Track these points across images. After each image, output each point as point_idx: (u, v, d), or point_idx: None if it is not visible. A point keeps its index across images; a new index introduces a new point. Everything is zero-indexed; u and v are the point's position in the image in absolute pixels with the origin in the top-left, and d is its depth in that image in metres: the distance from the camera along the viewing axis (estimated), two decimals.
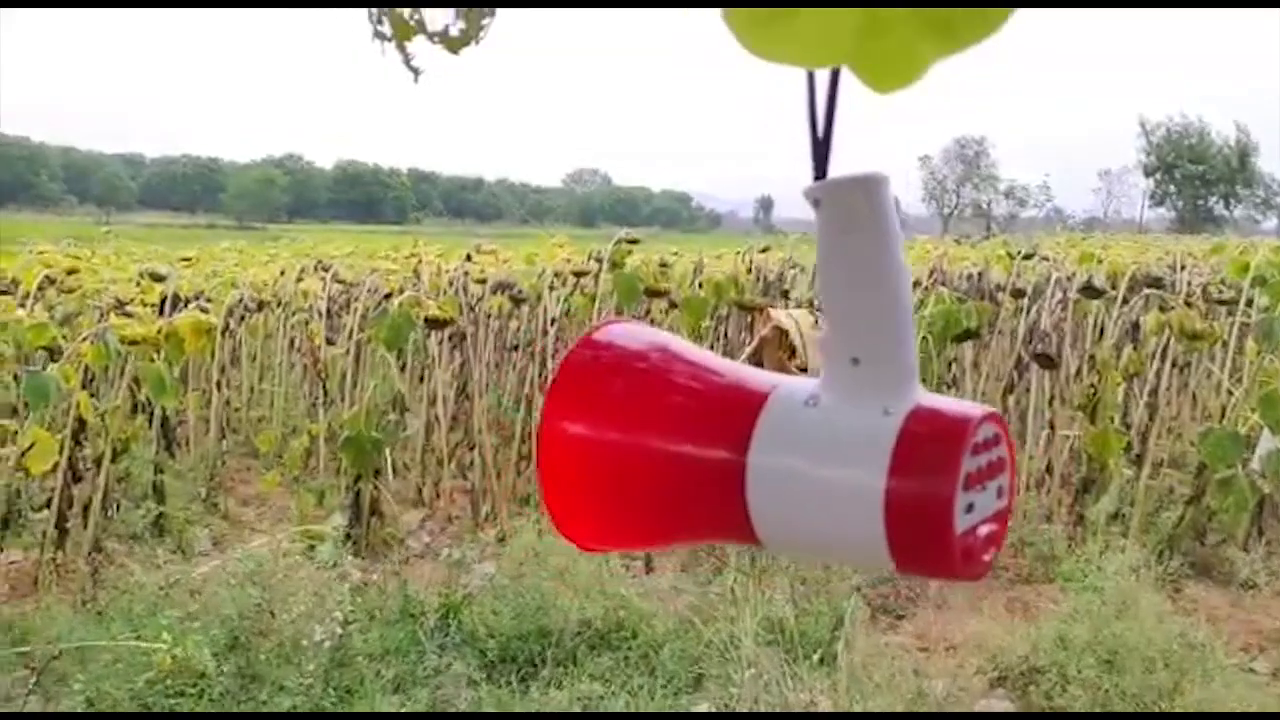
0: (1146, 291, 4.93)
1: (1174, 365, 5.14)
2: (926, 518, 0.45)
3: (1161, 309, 4.68)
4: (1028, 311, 4.92)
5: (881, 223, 0.47)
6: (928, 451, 0.46)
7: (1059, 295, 4.99)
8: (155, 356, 4.16)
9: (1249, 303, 4.89)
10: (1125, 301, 5.14)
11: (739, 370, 0.54)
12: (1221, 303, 5.03)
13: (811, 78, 0.47)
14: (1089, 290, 4.89)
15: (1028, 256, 5.69)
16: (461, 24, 0.69)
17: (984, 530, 0.47)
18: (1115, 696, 2.79)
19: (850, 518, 0.46)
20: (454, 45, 0.68)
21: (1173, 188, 66.94)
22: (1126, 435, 4.33)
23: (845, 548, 0.48)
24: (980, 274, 5.71)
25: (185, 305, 5.25)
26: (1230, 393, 4.67)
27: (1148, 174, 68.46)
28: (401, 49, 0.63)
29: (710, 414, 0.52)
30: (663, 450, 0.52)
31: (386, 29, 0.67)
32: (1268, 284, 4.47)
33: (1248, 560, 4.14)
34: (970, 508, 0.46)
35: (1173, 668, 2.78)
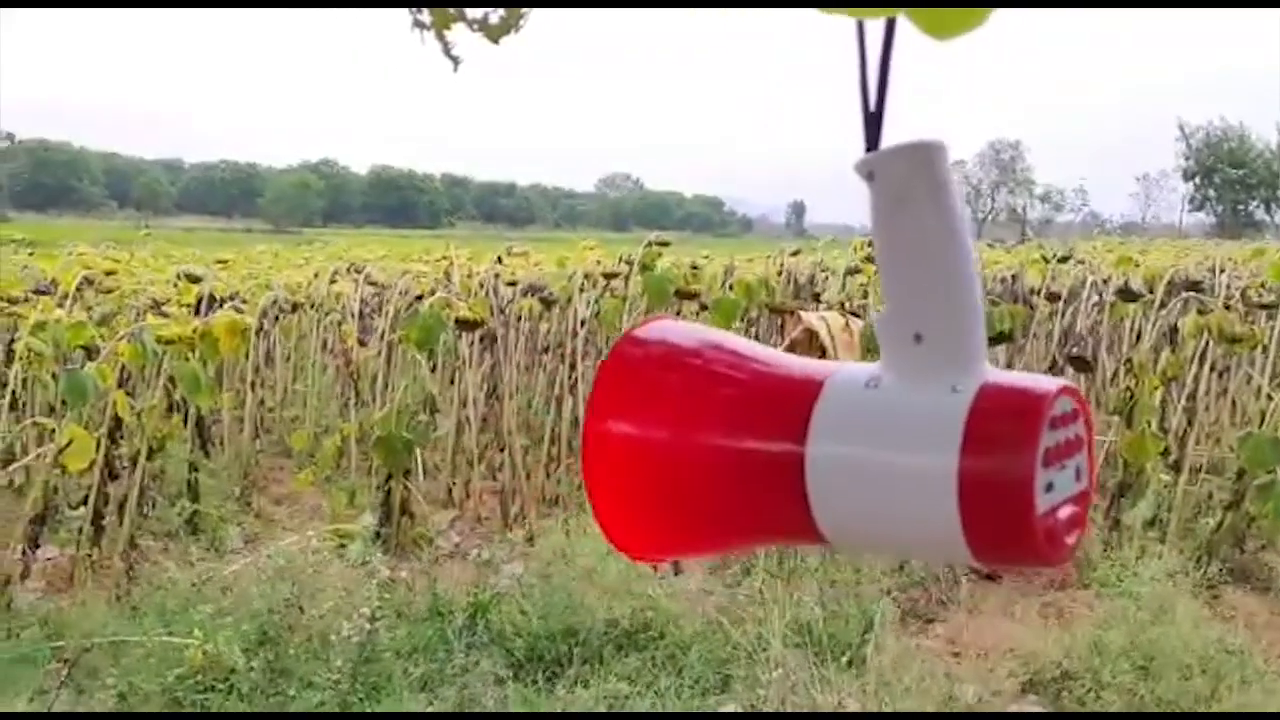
0: (1185, 295, 4.86)
1: (1213, 369, 5.06)
2: (1005, 498, 0.42)
3: (1200, 312, 4.61)
4: (1062, 315, 4.86)
5: (940, 192, 0.45)
6: (1002, 427, 0.43)
7: (1094, 299, 4.93)
8: (190, 356, 4.21)
9: None
10: (1163, 305, 5.07)
11: (793, 360, 0.51)
12: (1262, 306, 4.95)
13: (863, 45, 0.46)
14: (1125, 293, 4.83)
15: (1063, 260, 5.62)
16: (501, 12, 0.68)
17: (1065, 512, 0.45)
18: (1150, 702, 2.75)
19: (921, 504, 0.43)
20: (494, 34, 0.68)
21: (1212, 192, 65.99)
22: (1164, 440, 4.26)
23: (917, 538, 0.45)
24: (1014, 277, 5.65)
25: (220, 306, 5.31)
26: (1270, 397, 4.59)
27: (1187, 178, 67.56)
28: (441, 38, 0.63)
29: (763, 405, 0.49)
30: (714, 447, 0.50)
31: (426, 17, 0.67)
32: None
33: None
34: (1050, 487, 0.43)
35: (1210, 674, 2.73)
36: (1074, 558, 0.46)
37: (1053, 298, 5.34)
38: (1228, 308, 4.28)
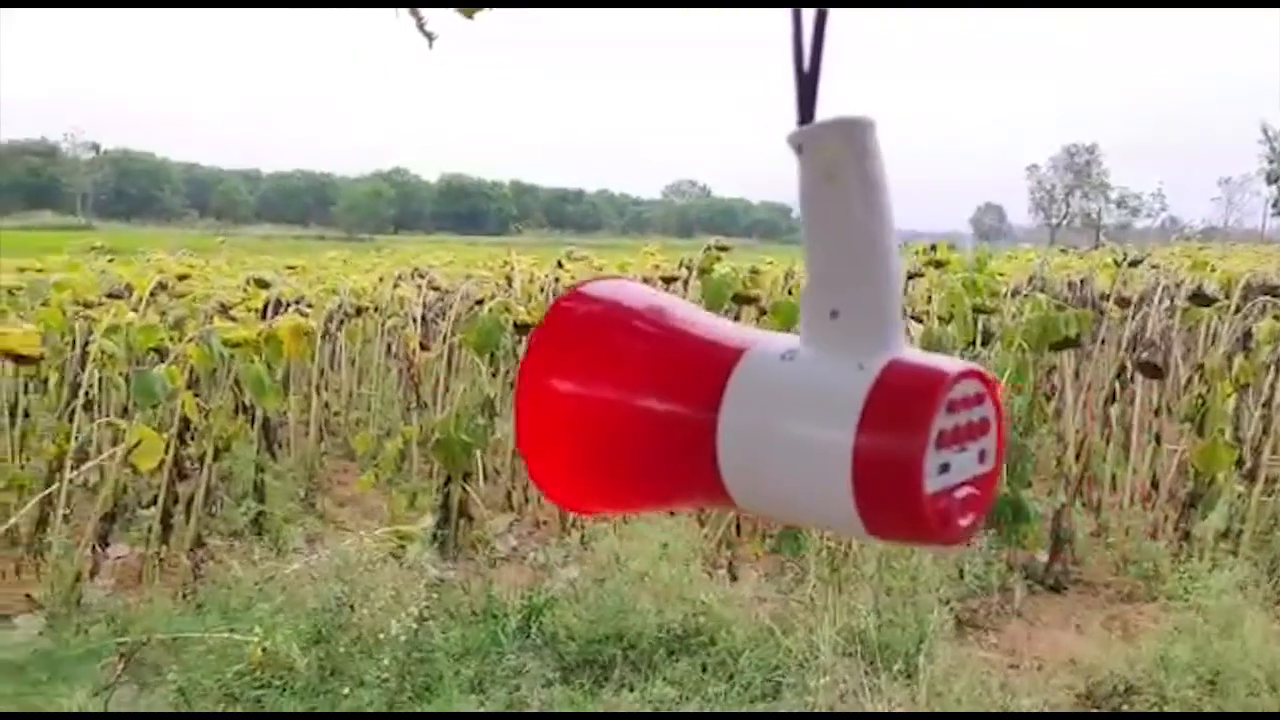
0: (1261, 299, 4.70)
1: None
2: (894, 475, 0.43)
3: (1276, 317, 4.45)
4: (1133, 319, 4.73)
5: (863, 170, 0.45)
6: (898, 406, 0.43)
7: (1166, 303, 4.79)
8: (255, 359, 4.30)
9: None
10: (1238, 310, 4.90)
11: (724, 326, 0.52)
12: None
13: (798, 12, 0.46)
14: (1198, 298, 4.68)
15: (1134, 264, 5.47)
16: None
17: (962, 493, 0.45)
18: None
19: (819, 476, 0.44)
20: (469, 11, 0.68)
21: None
22: (1237, 449, 4.11)
23: (815, 510, 0.46)
24: (1083, 281, 5.51)
25: (286, 310, 5.42)
26: None
27: (1270, 182, 65.35)
28: (415, 14, 0.64)
29: (684, 370, 0.50)
30: (635, 407, 0.51)
31: None
32: None
33: None
34: (945, 468, 0.44)
35: (1279, 690, 2.62)
36: (970, 537, 0.47)
37: (1123, 303, 5.20)
38: None
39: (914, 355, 0.45)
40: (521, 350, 5.11)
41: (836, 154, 0.45)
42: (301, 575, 3.39)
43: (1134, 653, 3.11)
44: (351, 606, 2.66)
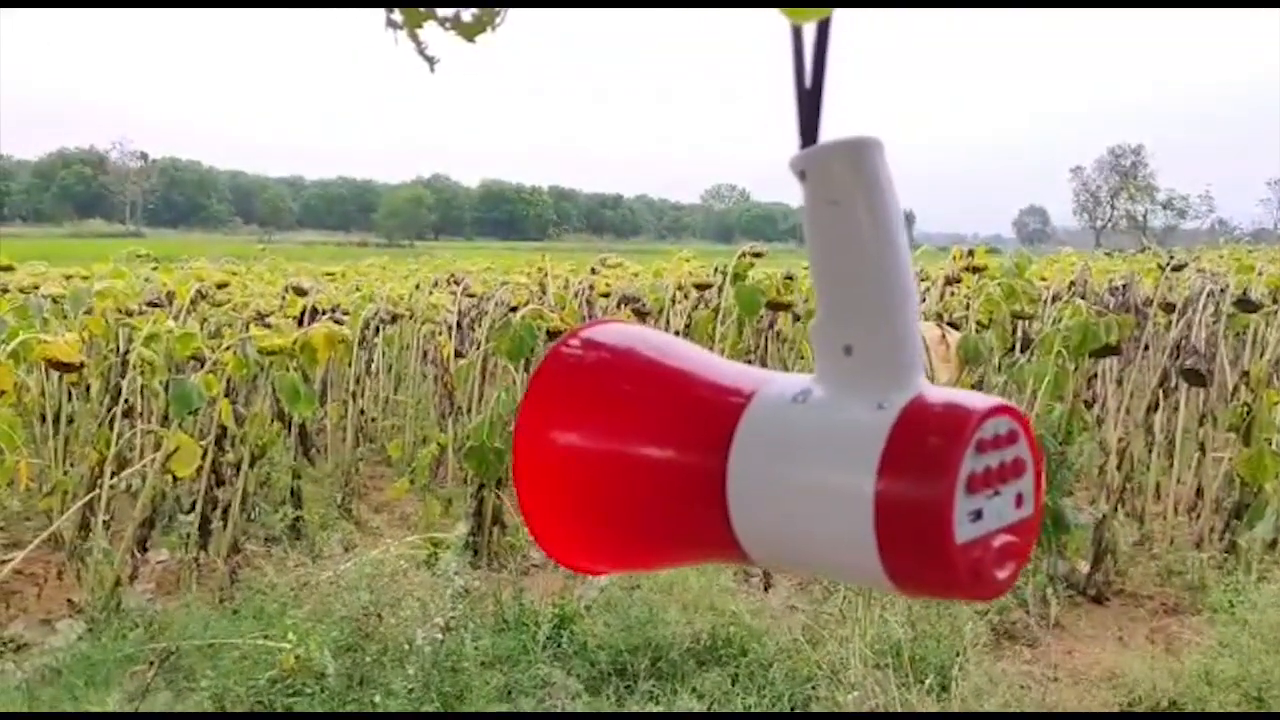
0: None
1: None
2: (920, 523, 0.39)
3: None
4: (1177, 325, 4.63)
5: (875, 195, 0.42)
6: (923, 447, 0.40)
7: (1211, 308, 4.68)
8: (289, 366, 4.34)
9: None
10: None
11: (731, 368, 0.49)
12: None
13: (798, 29, 0.43)
14: (1244, 304, 4.58)
15: (1177, 268, 5.36)
16: (474, 10, 0.67)
17: (999, 541, 0.41)
18: None
19: (838, 527, 0.41)
20: (469, 32, 0.67)
21: None
22: None
23: (835, 561, 0.43)
24: (1125, 286, 5.41)
25: (322, 317, 5.47)
26: None
27: None
28: (414, 37, 0.62)
29: (689, 416, 0.47)
30: (638, 458, 0.48)
31: (398, 17, 0.67)
32: None
33: None
34: (978, 515, 0.40)
35: None
36: (1008, 590, 0.42)
37: (1168, 308, 5.10)
38: None
39: (938, 392, 0.42)
40: None
41: (842, 178, 0.43)
42: (336, 581, 3.41)
43: (1178, 666, 3.04)
44: (380, 616, 2.67)
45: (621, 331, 0.53)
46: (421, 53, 0.69)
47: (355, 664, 2.63)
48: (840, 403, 0.43)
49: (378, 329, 6.67)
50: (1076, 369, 4.06)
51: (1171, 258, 5.46)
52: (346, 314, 5.91)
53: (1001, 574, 0.41)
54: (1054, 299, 5.51)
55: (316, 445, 6.28)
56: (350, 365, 6.09)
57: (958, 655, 2.96)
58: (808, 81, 0.44)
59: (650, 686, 2.84)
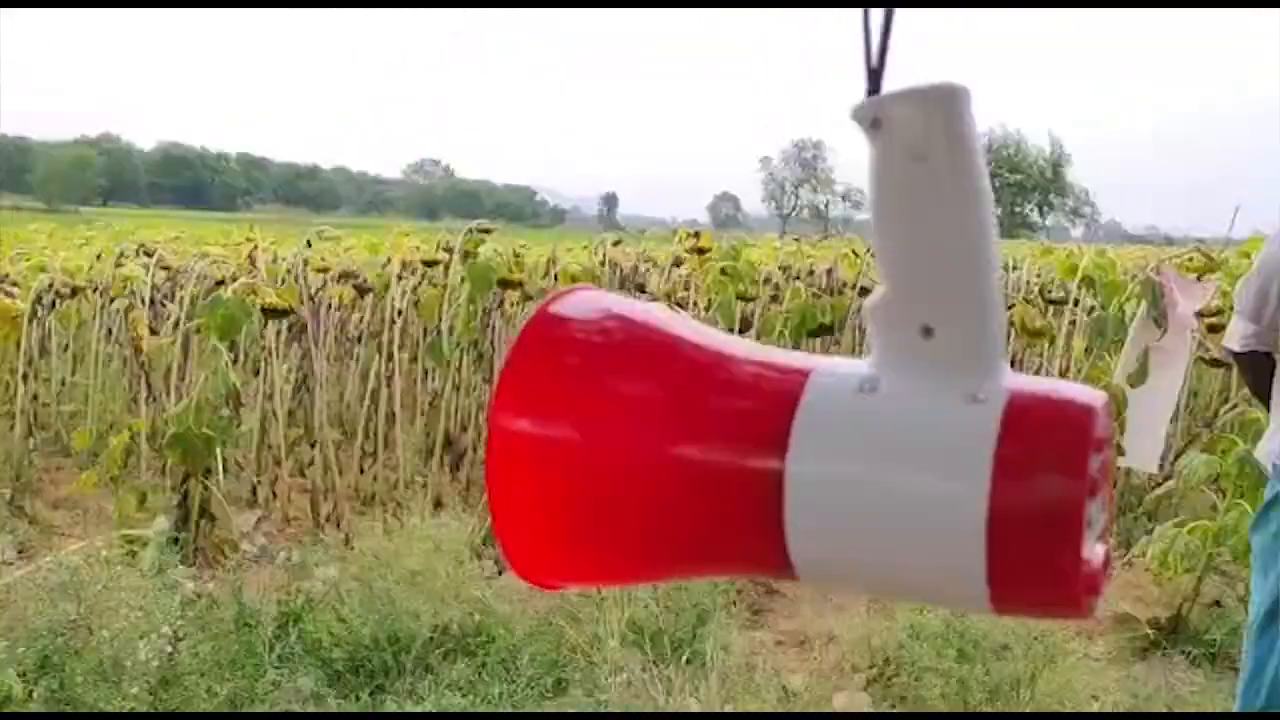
0: None
1: (1011, 363, 5.35)
2: (1046, 537, 0.34)
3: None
4: None
5: (964, 149, 0.36)
6: (1044, 447, 0.35)
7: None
8: None
9: (1076, 303, 5.15)
10: None
11: (762, 350, 0.42)
12: (1053, 302, 5.26)
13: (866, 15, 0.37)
14: None
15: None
16: None
17: (1099, 551, 0.37)
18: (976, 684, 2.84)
19: (935, 541, 0.35)
20: None
21: (994, 195, 70.81)
22: None
23: (923, 580, 0.37)
24: (830, 271, 5.81)
25: None
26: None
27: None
28: None
29: (732, 407, 0.40)
30: (661, 457, 0.40)
31: None
32: (1097, 284, 4.70)
33: None
34: (1089, 522, 0.35)
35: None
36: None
37: (864, 292, 5.52)
38: (1028, 302, 4.52)
39: (1030, 382, 0.37)
40: (272, 335, 4.77)
41: (928, 127, 0.36)
42: (15, 589, 2.98)
43: (889, 624, 3.29)
44: (90, 629, 2.35)
45: (608, 301, 0.44)
46: None
47: (64, 684, 2.30)
48: (921, 394, 0.37)
49: (53, 304, 5.93)
50: (796, 348, 4.30)
51: (869, 248, 5.90)
52: (16, 286, 5.20)
53: (1104, 587, 0.38)
54: (765, 281, 5.81)
55: None
56: (19, 345, 5.36)
57: (699, 627, 3.05)
58: (875, 20, 0.38)
59: (400, 682, 2.70)
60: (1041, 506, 0.35)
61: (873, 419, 0.38)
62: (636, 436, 0.41)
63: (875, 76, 0.38)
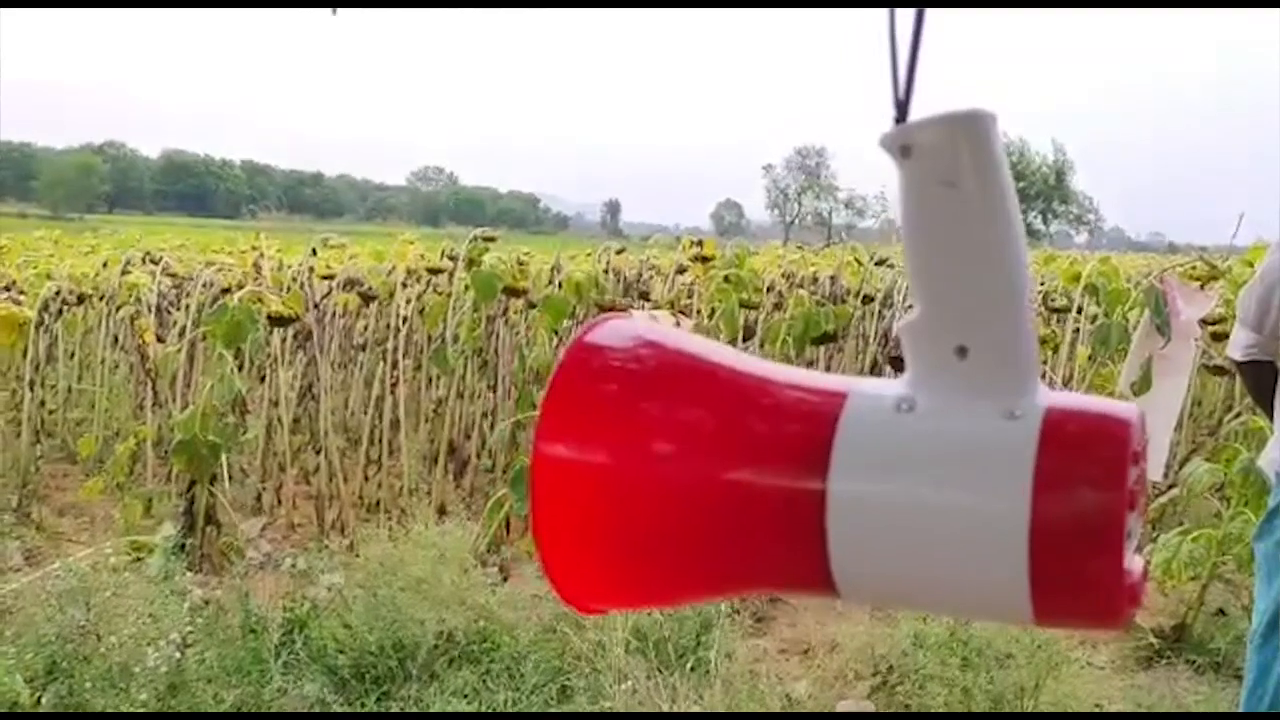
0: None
1: None
2: (1088, 550, 0.35)
3: None
4: (879, 316, 5.03)
5: (993, 174, 0.38)
6: (1083, 462, 0.36)
7: (908, 301, 5.13)
8: None
9: (1079, 310, 5.15)
10: None
11: (797, 373, 0.43)
12: (1055, 310, 5.27)
13: (893, 28, 0.38)
14: None
15: (879, 263, 5.83)
16: None
17: (1139, 561, 0.38)
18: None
19: (977, 556, 0.36)
20: None
21: None
22: None
23: (966, 595, 0.38)
24: (833, 279, 5.82)
25: None
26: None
27: None
28: None
29: (772, 429, 0.41)
30: (705, 479, 0.41)
31: None
32: (1100, 292, 4.71)
33: None
34: (1129, 534, 0.37)
35: None
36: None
37: (866, 300, 5.53)
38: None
39: (1065, 398, 0.38)
40: (277, 343, 4.79)
41: (959, 156, 0.38)
42: (23, 596, 3.00)
43: (892, 632, 3.29)
44: (98, 636, 2.36)
45: (642, 329, 0.45)
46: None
47: (72, 690, 2.31)
48: (959, 412, 0.38)
49: (59, 311, 5.95)
50: (799, 357, 4.30)
51: (873, 255, 5.92)
52: (23, 293, 5.23)
53: (1143, 595, 0.39)
54: (769, 289, 5.82)
55: None
56: (25, 352, 5.38)
57: (702, 634, 3.05)
58: (903, 51, 0.39)
59: (405, 689, 2.71)
60: (1082, 519, 0.36)
61: (911, 437, 0.39)
62: (677, 460, 0.42)
63: (903, 105, 0.39)
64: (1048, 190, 68.69)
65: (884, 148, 0.39)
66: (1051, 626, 0.39)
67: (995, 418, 0.38)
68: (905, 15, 0.39)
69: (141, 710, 2.29)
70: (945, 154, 0.38)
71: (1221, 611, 3.83)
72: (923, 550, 0.38)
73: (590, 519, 0.44)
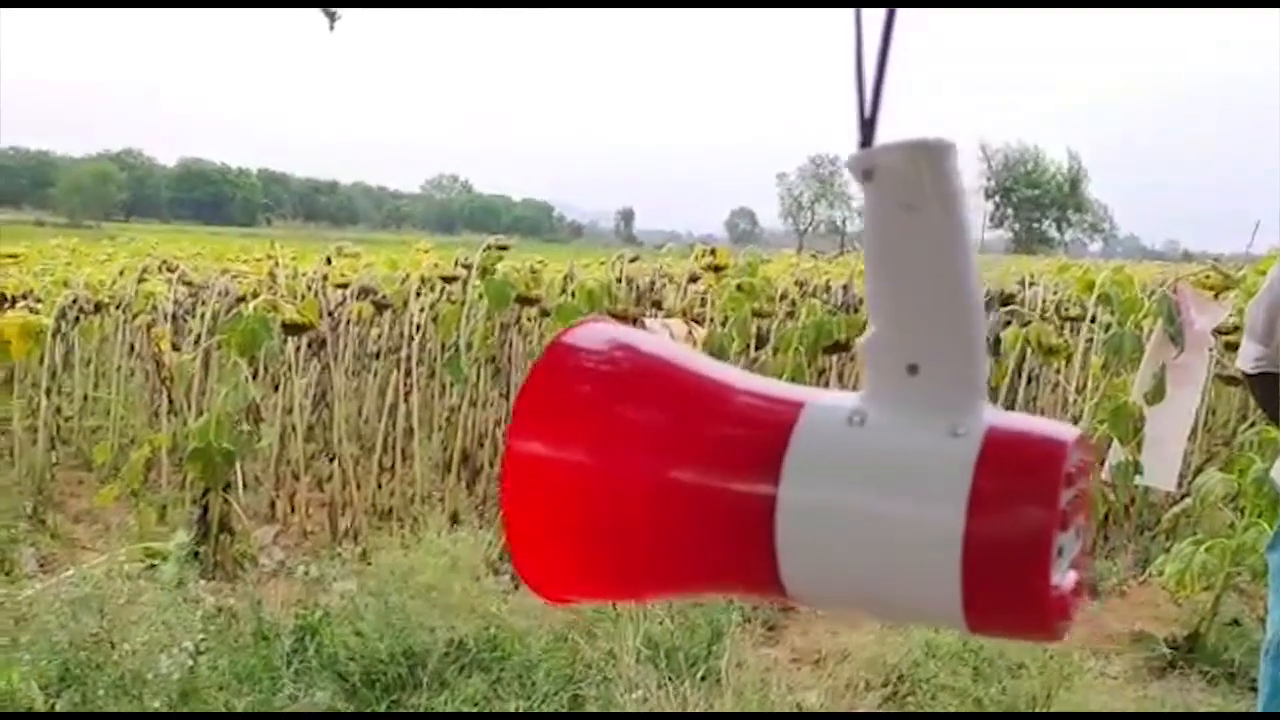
0: (1001, 308, 5.10)
1: (1026, 379, 5.34)
2: (1016, 563, 0.37)
3: (1008, 323, 4.84)
4: None
5: (950, 199, 0.39)
6: (1017, 481, 0.37)
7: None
8: None
9: (1093, 319, 5.13)
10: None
11: (759, 381, 0.45)
12: (1070, 319, 5.25)
13: (859, 16, 0.40)
14: None
15: None
16: None
17: (1070, 579, 0.40)
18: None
19: (914, 566, 0.38)
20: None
21: (1010, 210, 70.56)
22: None
23: (903, 602, 0.40)
24: (846, 287, 5.81)
25: (12, 305, 4.85)
26: (1068, 405, 4.87)
27: (987, 196, 71.96)
28: None
29: (730, 435, 0.43)
30: (663, 479, 0.43)
31: None
32: (1114, 301, 4.69)
33: (1095, 568, 4.31)
34: (1060, 551, 0.38)
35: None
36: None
37: None
38: (1043, 319, 4.52)
39: (1009, 419, 0.39)
40: (291, 351, 4.81)
41: (918, 180, 0.39)
42: (38, 602, 3.02)
43: (904, 641, 3.28)
44: (112, 643, 2.37)
45: (620, 334, 0.47)
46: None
47: (85, 698, 2.33)
48: (906, 427, 0.40)
49: (76, 319, 6.00)
50: (811, 365, 4.30)
51: None
52: (40, 301, 5.28)
53: (1075, 610, 0.40)
54: (781, 297, 5.82)
55: (1, 450, 5.58)
56: (42, 360, 5.43)
57: (714, 644, 3.05)
58: (868, 75, 0.40)
59: (414, 697, 2.72)
60: (1012, 536, 0.37)
61: (860, 450, 0.40)
62: (640, 460, 0.44)
63: (868, 126, 0.40)
64: (1062, 198, 68.43)
65: (849, 169, 0.40)
66: (986, 635, 0.41)
67: (940, 435, 0.39)
68: (871, 38, 0.40)
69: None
70: (907, 179, 0.39)
71: (1235, 622, 3.81)
72: (865, 558, 0.39)
73: (556, 514, 0.45)
